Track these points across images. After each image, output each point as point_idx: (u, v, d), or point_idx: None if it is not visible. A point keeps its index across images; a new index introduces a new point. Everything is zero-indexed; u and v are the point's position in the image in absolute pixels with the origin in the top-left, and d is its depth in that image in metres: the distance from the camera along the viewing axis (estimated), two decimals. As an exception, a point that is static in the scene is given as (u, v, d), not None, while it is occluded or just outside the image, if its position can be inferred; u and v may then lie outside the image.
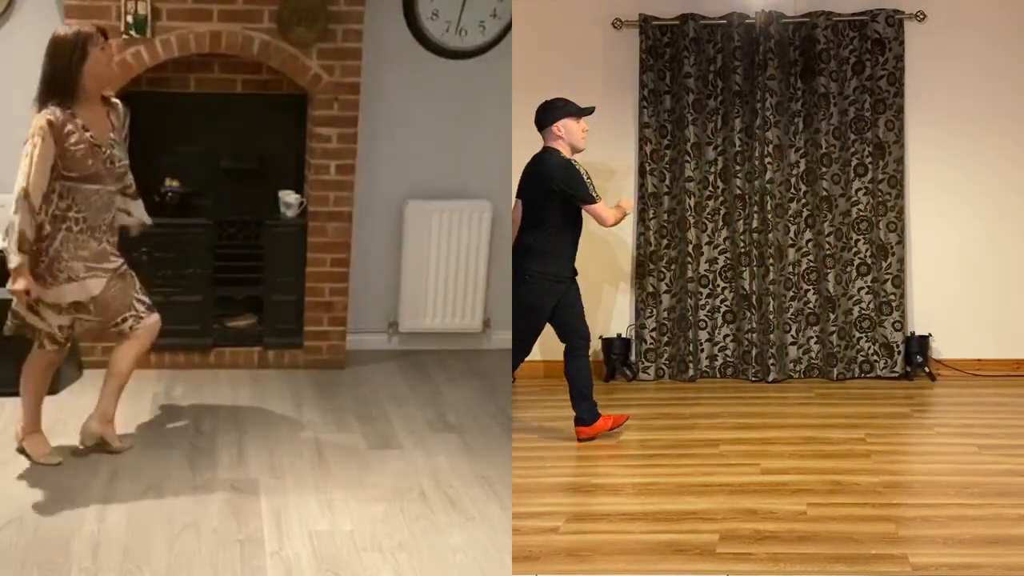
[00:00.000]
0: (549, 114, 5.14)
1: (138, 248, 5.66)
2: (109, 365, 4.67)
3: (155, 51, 5.45)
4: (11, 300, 4.47)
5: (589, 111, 5.19)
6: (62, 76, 4.32)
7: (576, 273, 5.25)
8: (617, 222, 5.23)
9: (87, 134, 4.35)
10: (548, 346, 6.46)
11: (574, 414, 5.16)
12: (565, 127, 5.11)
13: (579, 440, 5.14)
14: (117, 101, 4.61)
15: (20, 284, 4.23)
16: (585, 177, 5.07)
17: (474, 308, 6.28)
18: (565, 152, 5.13)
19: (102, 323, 4.53)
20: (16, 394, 5.15)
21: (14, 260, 4.22)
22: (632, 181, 6.62)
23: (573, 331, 5.21)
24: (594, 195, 5.07)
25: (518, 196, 5.28)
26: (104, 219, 4.48)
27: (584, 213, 5.15)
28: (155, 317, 4.63)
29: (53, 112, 4.28)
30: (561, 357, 6.53)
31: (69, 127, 4.30)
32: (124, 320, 4.56)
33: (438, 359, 6.19)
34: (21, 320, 4.45)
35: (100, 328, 4.57)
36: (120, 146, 4.52)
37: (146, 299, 4.64)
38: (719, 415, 5.62)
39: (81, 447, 4.68)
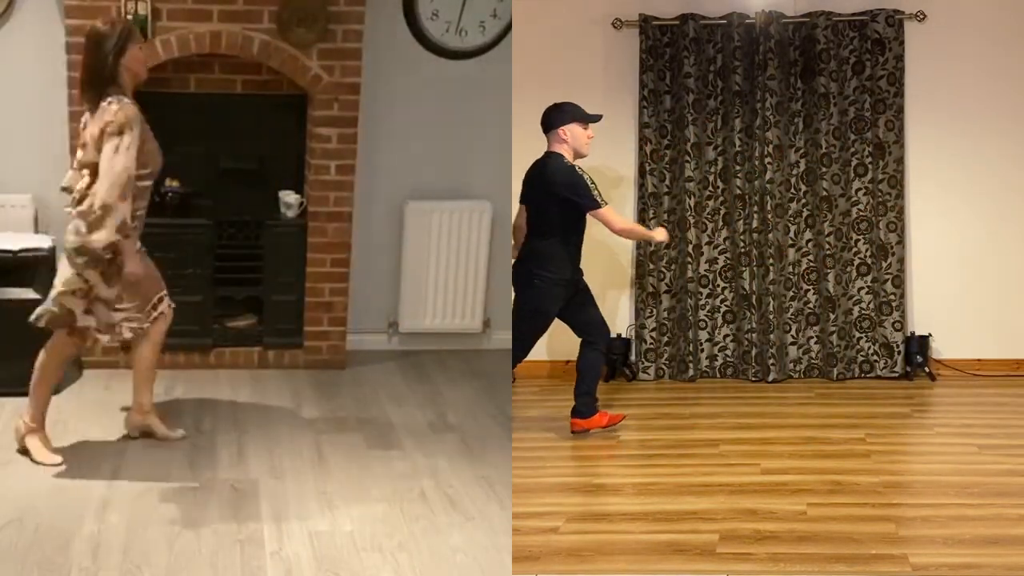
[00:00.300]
0: (556, 117, 5.14)
1: (138, 248, 5.68)
2: (134, 360, 4.77)
3: (155, 51, 5.45)
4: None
5: (596, 118, 5.18)
6: (99, 69, 4.36)
7: (581, 273, 5.26)
8: (626, 233, 5.29)
9: (148, 128, 4.44)
10: (555, 347, 6.50)
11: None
12: (571, 132, 5.11)
13: (572, 431, 5.17)
14: None
15: (138, 267, 4.42)
16: (589, 182, 5.06)
17: (474, 308, 6.29)
18: (568, 157, 5.12)
19: (140, 308, 4.59)
20: (15, 394, 5.17)
21: (110, 244, 4.27)
22: (632, 181, 6.62)
23: (591, 326, 5.24)
24: (599, 200, 5.06)
25: (521, 201, 5.27)
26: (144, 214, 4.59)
27: (589, 217, 5.16)
28: (168, 300, 4.76)
29: (131, 105, 4.33)
30: (567, 357, 6.58)
31: (143, 120, 4.39)
32: (161, 300, 4.69)
33: (438, 359, 6.19)
34: (66, 315, 4.44)
35: (141, 319, 4.61)
36: None
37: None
38: (719, 415, 5.62)
39: (132, 436, 4.85)
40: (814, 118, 6.41)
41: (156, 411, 4.88)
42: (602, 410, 5.22)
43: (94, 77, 4.36)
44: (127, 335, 4.58)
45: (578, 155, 5.16)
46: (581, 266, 5.29)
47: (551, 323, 5.23)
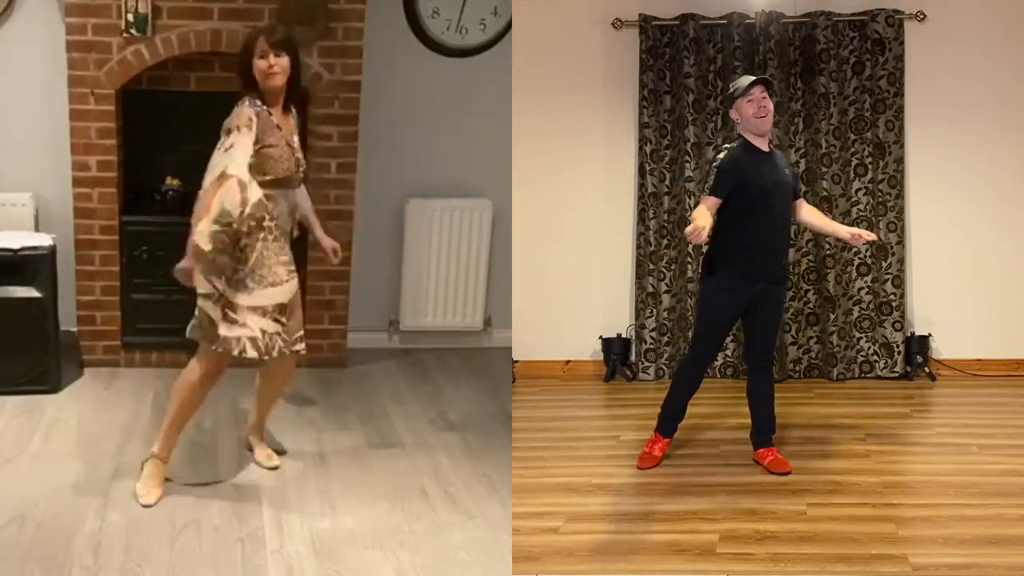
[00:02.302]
0: (727, 103, 4.65)
1: (138, 247, 5.68)
2: (263, 377, 4.65)
3: (156, 49, 5.45)
4: None
5: (753, 83, 4.47)
6: (241, 72, 4.32)
7: (773, 277, 4.65)
8: (691, 229, 4.23)
9: (281, 133, 4.29)
10: (555, 347, 6.53)
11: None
12: (738, 110, 4.52)
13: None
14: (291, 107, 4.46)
15: (187, 263, 4.25)
16: (721, 165, 4.45)
17: (475, 307, 6.29)
18: (749, 139, 4.53)
19: (291, 331, 4.38)
20: (15, 393, 5.18)
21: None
22: (632, 181, 6.62)
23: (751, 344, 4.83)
24: (707, 190, 4.50)
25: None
26: (291, 224, 4.44)
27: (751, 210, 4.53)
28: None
29: (256, 106, 4.24)
30: (567, 357, 6.58)
31: (268, 125, 4.26)
32: (301, 338, 4.45)
33: (439, 358, 6.19)
34: (206, 321, 4.28)
35: (288, 342, 4.37)
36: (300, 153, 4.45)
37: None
38: (719, 415, 5.62)
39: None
40: (814, 118, 6.41)
41: (264, 435, 4.78)
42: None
43: (241, 80, 4.33)
44: (274, 353, 4.32)
45: (756, 132, 4.52)
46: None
47: (724, 323, 4.72)
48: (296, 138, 4.42)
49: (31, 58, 5.71)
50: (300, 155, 4.42)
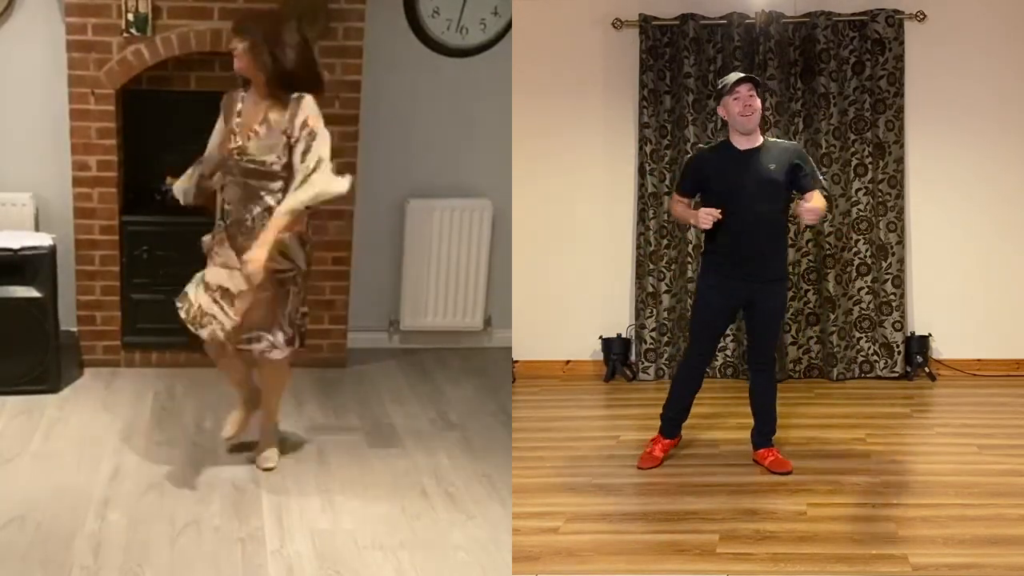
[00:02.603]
0: (716, 100, 4.63)
1: (138, 247, 5.68)
2: (260, 381, 4.71)
3: (156, 49, 5.45)
4: None
5: (740, 80, 4.44)
6: None
7: (761, 279, 4.61)
8: (680, 219, 4.74)
9: (236, 120, 4.37)
10: (555, 346, 6.52)
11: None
12: (725, 107, 4.48)
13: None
14: (296, 95, 4.35)
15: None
16: (689, 165, 4.63)
17: (475, 306, 6.29)
18: (732, 137, 4.52)
19: (237, 326, 4.36)
20: (15, 393, 5.18)
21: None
22: (632, 181, 6.62)
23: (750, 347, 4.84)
24: (677, 186, 4.68)
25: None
26: (249, 213, 4.34)
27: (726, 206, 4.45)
28: (270, 344, 4.46)
29: (230, 92, 4.47)
30: (567, 357, 6.54)
31: (233, 109, 4.42)
32: (258, 339, 4.45)
33: (439, 357, 6.19)
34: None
35: (230, 334, 4.37)
36: (265, 143, 4.29)
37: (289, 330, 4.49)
38: (719, 415, 5.62)
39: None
40: (814, 118, 6.41)
41: (263, 436, 4.74)
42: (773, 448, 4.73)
43: None
44: (205, 335, 4.38)
45: (741, 130, 4.47)
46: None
47: (718, 322, 4.74)
48: (264, 127, 4.27)
49: (31, 58, 5.71)
50: (244, 142, 4.27)
